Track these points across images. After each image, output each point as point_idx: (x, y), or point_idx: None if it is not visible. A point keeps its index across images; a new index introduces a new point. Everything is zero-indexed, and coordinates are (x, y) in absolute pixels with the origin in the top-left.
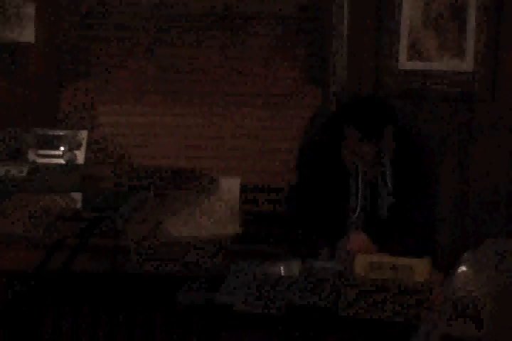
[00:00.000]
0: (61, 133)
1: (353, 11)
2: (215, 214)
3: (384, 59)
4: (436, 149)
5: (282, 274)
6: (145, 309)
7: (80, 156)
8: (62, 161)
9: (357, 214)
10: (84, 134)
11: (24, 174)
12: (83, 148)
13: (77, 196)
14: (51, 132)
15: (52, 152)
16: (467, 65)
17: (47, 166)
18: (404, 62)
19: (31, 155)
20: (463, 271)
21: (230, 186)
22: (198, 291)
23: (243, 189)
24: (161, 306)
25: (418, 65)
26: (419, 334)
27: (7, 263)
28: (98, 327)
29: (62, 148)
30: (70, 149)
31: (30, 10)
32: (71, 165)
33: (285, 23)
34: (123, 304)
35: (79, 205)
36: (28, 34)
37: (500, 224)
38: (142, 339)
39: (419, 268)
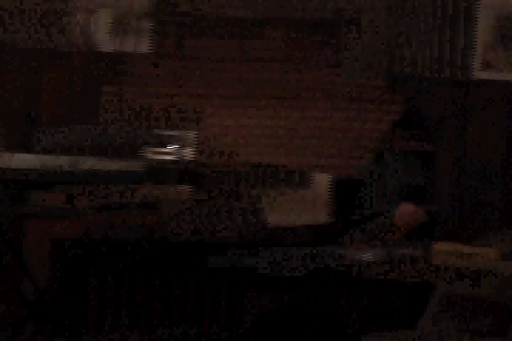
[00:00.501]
0: (172, 134)
1: None
2: (308, 205)
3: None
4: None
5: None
6: (179, 273)
7: (189, 154)
8: (173, 158)
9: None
10: (192, 134)
11: (140, 169)
12: (192, 147)
13: (186, 188)
14: (164, 132)
15: (165, 150)
16: None
17: (159, 162)
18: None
19: (147, 153)
20: None
21: (321, 181)
22: (226, 256)
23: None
24: (193, 270)
25: (487, 76)
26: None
27: (56, 233)
28: (136, 291)
29: (173, 147)
30: (181, 147)
31: (146, 24)
32: (181, 162)
33: None
34: (159, 269)
35: (186, 195)
36: (143, 45)
37: (495, 194)
38: (176, 301)
39: (488, 257)
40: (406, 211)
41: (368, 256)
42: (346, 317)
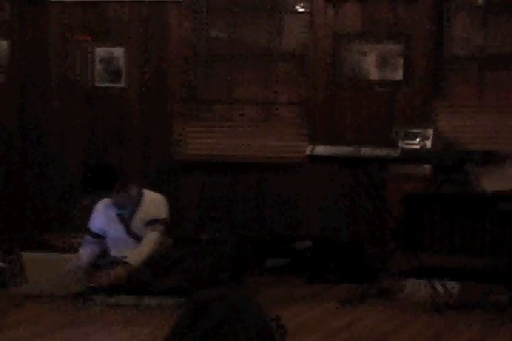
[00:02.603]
0: (416, 131)
1: None
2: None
3: None
4: None
5: None
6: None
7: (428, 144)
8: (417, 147)
9: None
10: (430, 131)
11: (397, 155)
12: (430, 140)
13: (428, 167)
14: (411, 129)
15: (411, 141)
16: None
17: (409, 150)
18: None
19: (400, 143)
20: None
21: None
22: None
23: None
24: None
25: None
26: None
27: (406, 188)
28: (454, 225)
29: (417, 140)
30: (422, 140)
31: (400, 61)
32: (423, 150)
33: None
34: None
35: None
36: (399, 74)
37: None
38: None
39: None
40: None
41: None
42: None
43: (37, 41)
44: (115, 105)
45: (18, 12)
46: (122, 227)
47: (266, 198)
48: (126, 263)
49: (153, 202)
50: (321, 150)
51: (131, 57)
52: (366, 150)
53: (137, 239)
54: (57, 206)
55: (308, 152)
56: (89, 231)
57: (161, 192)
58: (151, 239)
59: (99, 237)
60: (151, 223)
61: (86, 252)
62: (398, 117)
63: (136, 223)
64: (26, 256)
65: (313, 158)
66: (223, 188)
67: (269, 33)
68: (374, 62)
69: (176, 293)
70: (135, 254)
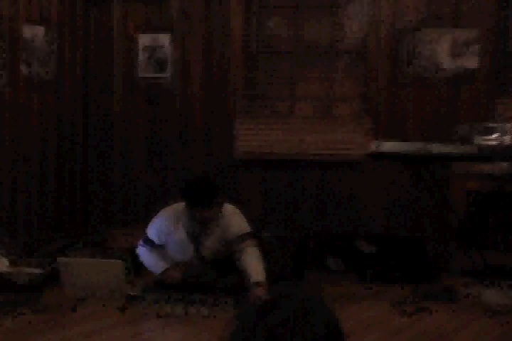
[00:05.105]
0: (494, 126)
1: None
2: None
3: None
4: None
5: None
6: None
7: (508, 140)
8: (494, 143)
9: None
10: (510, 126)
11: (476, 151)
12: (509, 135)
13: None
14: (488, 125)
15: (489, 137)
16: None
17: (486, 147)
18: None
19: (477, 139)
20: None
21: None
22: None
23: None
24: None
25: None
26: None
27: (468, 187)
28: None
29: (495, 135)
30: (501, 135)
31: (476, 48)
32: (501, 145)
33: None
34: None
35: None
36: (472, 62)
37: None
38: None
39: None
40: None
41: None
42: None
43: (100, 37)
44: (178, 102)
45: (82, 8)
46: (192, 247)
47: (327, 195)
48: (257, 283)
49: (233, 217)
50: (388, 146)
51: (194, 54)
52: (437, 147)
53: (203, 261)
54: (120, 202)
55: (373, 148)
56: (150, 242)
57: (222, 189)
58: (255, 255)
59: (161, 247)
60: (243, 238)
61: (156, 257)
62: (461, 113)
63: (210, 243)
64: (63, 261)
65: (379, 155)
66: (284, 185)
67: (329, 29)
68: (447, 50)
69: (238, 291)
70: (259, 273)
